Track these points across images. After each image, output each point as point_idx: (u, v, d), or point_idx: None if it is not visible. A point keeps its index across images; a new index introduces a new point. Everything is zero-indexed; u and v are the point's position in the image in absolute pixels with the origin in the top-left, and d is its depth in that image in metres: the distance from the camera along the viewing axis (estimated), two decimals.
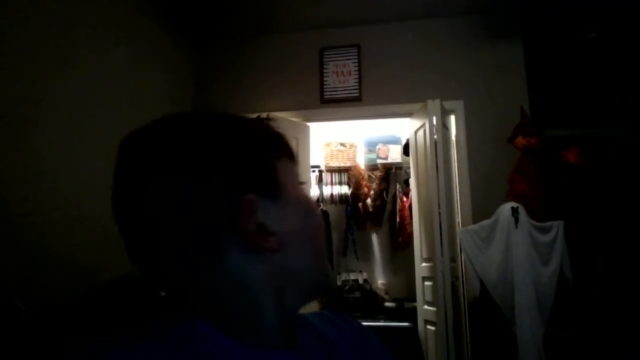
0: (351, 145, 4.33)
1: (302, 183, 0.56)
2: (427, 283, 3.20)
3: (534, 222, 2.72)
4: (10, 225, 2.09)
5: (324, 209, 4.15)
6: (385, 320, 3.56)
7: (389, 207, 4.19)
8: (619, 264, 3.00)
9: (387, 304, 3.76)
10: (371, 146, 4.29)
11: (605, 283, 2.97)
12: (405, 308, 3.62)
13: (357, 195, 4.20)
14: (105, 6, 2.83)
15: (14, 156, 2.13)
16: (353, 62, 3.65)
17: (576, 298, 2.69)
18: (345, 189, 4.28)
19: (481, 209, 3.12)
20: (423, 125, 3.22)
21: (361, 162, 4.30)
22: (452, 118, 3.42)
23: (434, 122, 3.08)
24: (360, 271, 4.08)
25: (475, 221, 3.04)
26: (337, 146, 4.31)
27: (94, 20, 2.71)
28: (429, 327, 3.16)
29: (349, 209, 4.21)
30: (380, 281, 4.15)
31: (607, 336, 2.80)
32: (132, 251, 0.50)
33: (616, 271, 2.99)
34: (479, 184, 3.28)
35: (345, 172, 4.30)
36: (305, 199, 0.56)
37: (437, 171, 3.02)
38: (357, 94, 3.59)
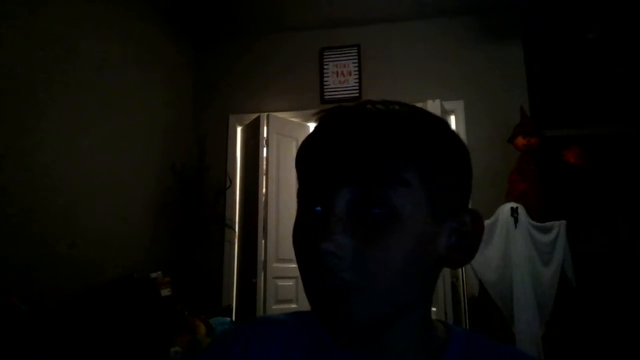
0: None
1: None
2: None
3: (534, 222, 2.71)
4: (11, 224, 2.09)
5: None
6: None
7: None
8: (618, 264, 2.99)
9: None
10: None
11: (606, 283, 2.97)
12: None
13: None
14: (107, 7, 2.83)
15: (16, 155, 2.14)
16: (353, 62, 3.64)
17: (577, 298, 2.69)
18: None
19: (481, 209, 3.09)
20: None
21: None
22: (452, 118, 3.42)
23: None
24: None
25: None
26: None
27: (95, 21, 2.71)
28: None
29: None
30: None
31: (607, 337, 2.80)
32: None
33: (616, 271, 2.99)
34: (478, 184, 3.25)
35: None
36: None
37: None
38: (357, 94, 3.58)
